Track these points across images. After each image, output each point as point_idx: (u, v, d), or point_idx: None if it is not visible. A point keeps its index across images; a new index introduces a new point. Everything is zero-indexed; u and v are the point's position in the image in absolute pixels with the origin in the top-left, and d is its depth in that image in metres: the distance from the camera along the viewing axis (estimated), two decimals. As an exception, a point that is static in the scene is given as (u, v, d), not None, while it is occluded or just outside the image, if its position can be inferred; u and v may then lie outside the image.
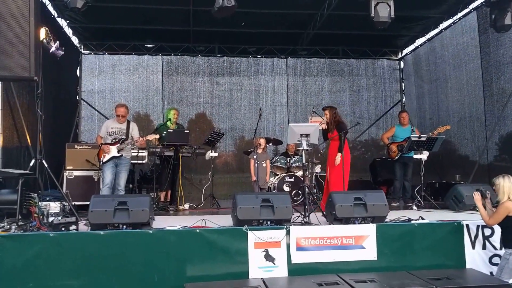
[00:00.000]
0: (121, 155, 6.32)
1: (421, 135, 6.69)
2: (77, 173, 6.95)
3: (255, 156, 7.22)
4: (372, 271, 4.35)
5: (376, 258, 4.45)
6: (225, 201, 7.71)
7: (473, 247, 4.59)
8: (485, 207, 4.31)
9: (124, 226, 4.32)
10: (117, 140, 6.36)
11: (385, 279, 4.09)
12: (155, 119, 10.02)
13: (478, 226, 4.62)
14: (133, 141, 6.37)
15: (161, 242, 4.24)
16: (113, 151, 6.28)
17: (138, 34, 9.40)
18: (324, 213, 5.05)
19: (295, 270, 4.32)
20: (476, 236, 4.62)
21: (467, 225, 4.63)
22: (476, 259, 4.57)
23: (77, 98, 9.86)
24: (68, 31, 8.93)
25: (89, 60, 10.02)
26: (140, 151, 7.23)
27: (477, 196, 4.36)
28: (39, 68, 4.21)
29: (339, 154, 6.38)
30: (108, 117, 8.53)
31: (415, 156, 6.77)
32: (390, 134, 7.55)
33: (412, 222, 4.74)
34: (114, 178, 6.26)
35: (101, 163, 6.33)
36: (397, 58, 11.10)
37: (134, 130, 6.54)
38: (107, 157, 6.27)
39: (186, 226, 4.52)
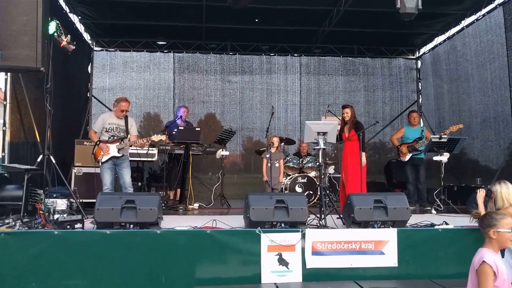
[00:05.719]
0: (122, 155, 5.75)
1: (442, 136, 6.40)
2: (86, 170, 6.76)
3: (268, 155, 7.01)
4: (392, 279, 4.12)
5: (396, 265, 4.20)
6: (235, 201, 7.52)
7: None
8: (486, 207, 4.14)
9: (132, 226, 4.15)
10: (116, 138, 5.77)
11: (406, 288, 3.84)
12: (166, 117, 9.84)
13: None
14: (133, 142, 5.81)
15: (169, 242, 4.07)
16: (113, 150, 5.68)
17: (150, 31, 9.26)
18: (341, 215, 4.81)
19: (310, 276, 4.09)
20: (506, 243, 4.34)
21: (496, 232, 4.35)
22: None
23: (88, 95, 9.76)
24: (80, 27, 8.83)
25: (100, 56, 9.92)
26: (150, 148, 7.03)
27: (481, 193, 4.19)
28: (47, 59, 4.04)
29: (363, 154, 6.10)
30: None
31: (435, 158, 6.49)
32: (399, 135, 7.30)
33: (436, 227, 4.46)
34: (114, 180, 5.75)
35: (99, 163, 5.74)
36: (414, 57, 10.78)
37: (133, 126, 5.96)
38: (106, 157, 5.68)
39: (196, 227, 4.34)
